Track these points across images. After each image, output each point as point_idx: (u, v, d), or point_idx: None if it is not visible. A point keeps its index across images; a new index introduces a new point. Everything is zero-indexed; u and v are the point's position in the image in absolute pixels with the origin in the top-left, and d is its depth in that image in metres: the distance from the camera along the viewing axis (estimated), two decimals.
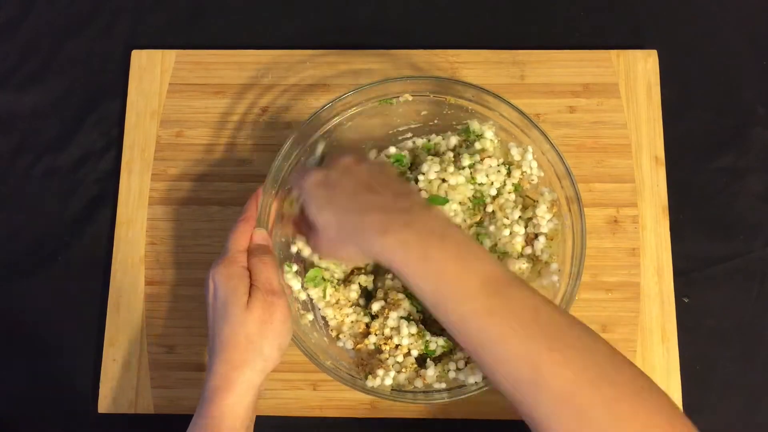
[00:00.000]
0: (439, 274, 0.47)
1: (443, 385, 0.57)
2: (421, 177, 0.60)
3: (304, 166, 0.61)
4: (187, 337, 0.67)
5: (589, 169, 0.69)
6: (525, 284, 0.48)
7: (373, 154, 0.64)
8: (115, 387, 0.66)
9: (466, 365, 0.58)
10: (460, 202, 0.60)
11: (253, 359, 0.52)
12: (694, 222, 0.68)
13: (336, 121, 0.63)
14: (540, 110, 0.70)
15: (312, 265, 0.60)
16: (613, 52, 0.71)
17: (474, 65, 0.72)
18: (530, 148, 0.61)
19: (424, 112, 0.65)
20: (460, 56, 0.72)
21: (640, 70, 0.71)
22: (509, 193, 0.61)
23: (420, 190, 0.59)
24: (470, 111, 0.63)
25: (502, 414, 0.64)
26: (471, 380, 0.57)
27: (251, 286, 0.54)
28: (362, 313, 0.60)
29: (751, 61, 0.73)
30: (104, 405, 0.65)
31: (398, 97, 0.63)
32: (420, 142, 0.64)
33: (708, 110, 0.71)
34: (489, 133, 0.62)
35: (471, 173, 0.60)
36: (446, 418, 0.64)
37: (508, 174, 0.61)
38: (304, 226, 0.57)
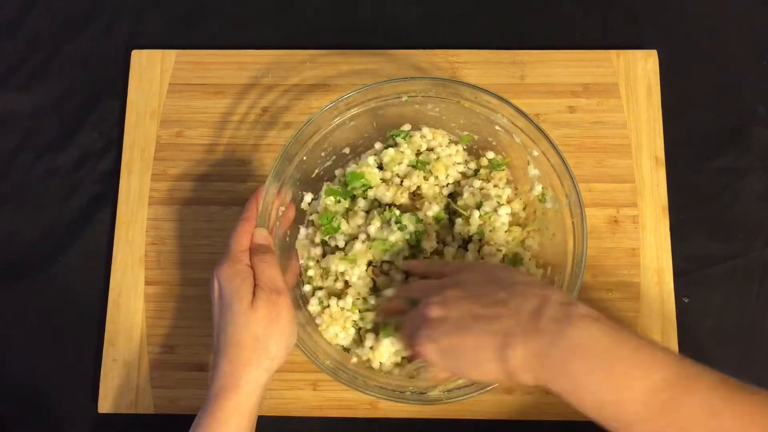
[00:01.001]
0: (597, 404, 0.44)
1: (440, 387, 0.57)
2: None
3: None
4: (187, 337, 0.67)
5: (589, 169, 0.69)
6: (698, 378, 0.43)
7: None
8: (115, 387, 0.66)
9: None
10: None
11: (259, 358, 0.52)
12: (694, 222, 0.69)
13: (338, 121, 0.62)
14: (540, 110, 0.70)
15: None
16: (613, 52, 0.71)
17: (474, 65, 0.72)
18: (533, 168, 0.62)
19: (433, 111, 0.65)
20: (460, 56, 0.72)
21: (640, 70, 0.71)
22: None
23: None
24: (476, 112, 0.63)
25: (502, 414, 0.64)
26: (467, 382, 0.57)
27: (255, 285, 0.54)
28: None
29: (751, 61, 0.73)
30: (104, 405, 0.65)
31: (400, 97, 0.63)
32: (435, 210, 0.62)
33: (708, 110, 0.71)
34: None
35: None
36: (446, 419, 0.64)
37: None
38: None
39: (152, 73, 0.73)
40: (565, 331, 0.44)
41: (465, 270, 0.52)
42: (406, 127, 0.65)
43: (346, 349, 0.61)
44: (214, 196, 0.70)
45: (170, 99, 0.72)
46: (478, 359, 0.47)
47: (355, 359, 0.60)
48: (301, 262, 0.64)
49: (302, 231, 0.65)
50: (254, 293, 0.53)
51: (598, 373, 0.43)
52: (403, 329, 0.54)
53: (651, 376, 0.43)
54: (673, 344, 0.65)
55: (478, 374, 0.49)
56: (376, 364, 0.59)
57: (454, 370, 0.50)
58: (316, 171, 0.65)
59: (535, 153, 0.61)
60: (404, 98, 0.62)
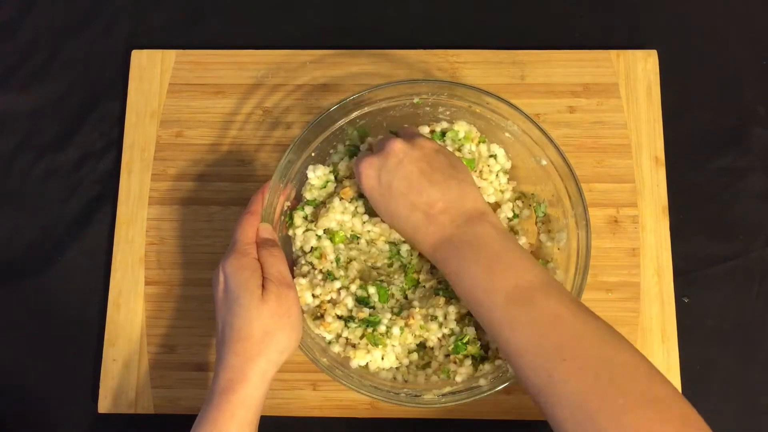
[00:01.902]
0: (473, 288, 0.51)
1: (441, 390, 0.57)
2: None
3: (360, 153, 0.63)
4: (188, 337, 0.67)
5: (589, 169, 0.69)
6: (553, 289, 0.50)
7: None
8: (115, 387, 0.66)
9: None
10: None
11: (268, 351, 0.52)
12: (694, 222, 0.69)
13: (341, 123, 0.63)
14: (540, 110, 0.70)
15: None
16: (613, 52, 0.71)
17: (474, 65, 0.72)
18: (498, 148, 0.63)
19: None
20: (460, 56, 0.72)
21: (640, 70, 0.71)
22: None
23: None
24: (487, 118, 0.63)
25: (501, 414, 0.64)
26: (463, 382, 0.57)
27: (264, 278, 0.54)
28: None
29: (751, 61, 0.73)
30: (104, 405, 0.66)
31: (412, 98, 0.63)
32: None
33: (708, 110, 0.71)
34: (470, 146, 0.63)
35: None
36: (446, 419, 0.64)
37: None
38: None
39: (152, 73, 0.73)
40: (472, 227, 0.53)
41: (428, 141, 0.57)
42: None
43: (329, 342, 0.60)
44: (214, 196, 0.70)
45: (170, 99, 0.72)
46: (399, 213, 0.55)
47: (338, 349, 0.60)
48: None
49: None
50: (264, 286, 0.53)
51: (482, 263, 0.51)
52: (356, 160, 0.58)
53: (521, 275, 0.50)
54: (673, 344, 0.65)
55: (390, 222, 0.57)
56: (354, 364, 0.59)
57: (374, 203, 0.56)
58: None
59: (544, 162, 0.61)
60: (416, 100, 0.62)
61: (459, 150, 0.62)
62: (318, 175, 0.61)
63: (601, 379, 0.45)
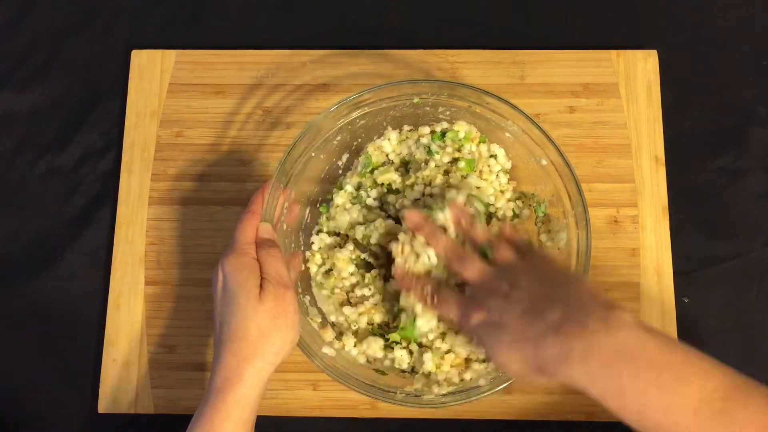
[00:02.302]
0: (641, 409, 0.42)
1: (442, 390, 0.57)
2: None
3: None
4: (188, 337, 0.67)
5: (589, 169, 0.69)
6: (750, 392, 0.42)
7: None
8: (115, 387, 0.66)
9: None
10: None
11: (264, 351, 0.52)
12: (694, 222, 0.69)
13: (342, 123, 0.63)
14: (540, 110, 0.70)
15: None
16: (613, 52, 0.71)
17: (474, 65, 0.72)
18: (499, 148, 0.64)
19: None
20: (460, 56, 0.72)
21: (640, 70, 0.71)
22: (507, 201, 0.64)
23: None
24: (487, 118, 0.63)
25: (502, 414, 0.64)
26: (472, 383, 0.57)
27: (261, 278, 0.54)
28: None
29: (751, 61, 0.73)
30: (104, 405, 0.66)
31: (412, 98, 0.63)
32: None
33: (708, 110, 0.71)
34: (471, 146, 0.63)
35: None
36: (446, 419, 0.64)
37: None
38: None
39: (152, 73, 0.73)
40: (613, 332, 0.43)
41: (520, 270, 0.51)
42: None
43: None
44: (214, 196, 0.70)
45: (170, 99, 0.72)
46: (514, 340, 0.47)
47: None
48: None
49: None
50: (261, 286, 0.53)
51: (647, 377, 0.42)
52: (450, 303, 0.52)
53: (704, 384, 0.41)
54: None
55: (507, 358, 0.48)
56: (358, 357, 0.60)
57: (489, 345, 0.49)
58: (325, 169, 0.66)
59: (544, 162, 0.61)
60: (416, 100, 0.62)
61: (459, 150, 0.62)
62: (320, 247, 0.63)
63: None
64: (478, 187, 0.62)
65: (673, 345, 0.43)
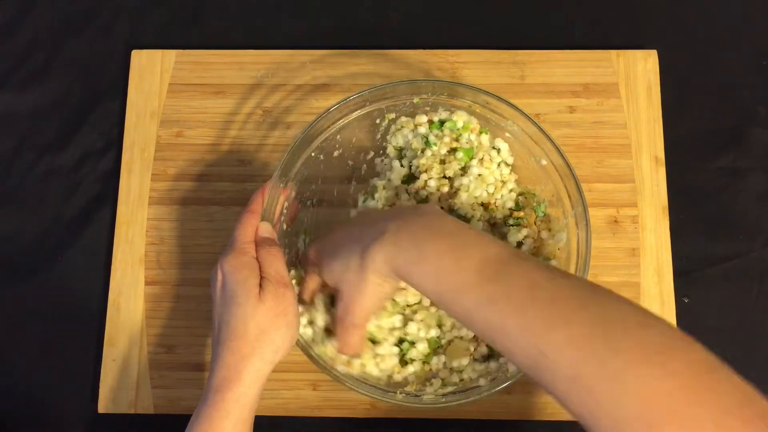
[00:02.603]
0: (436, 271, 0.47)
1: (445, 390, 0.57)
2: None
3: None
4: (187, 337, 0.67)
5: (589, 169, 0.69)
6: (524, 258, 0.46)
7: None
8: (115, 387, 0.66)
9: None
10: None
11: (262, 350, 0.52)
12: (694, 222, 0.68)
13: (342, 123, 0.63)
14: (540, 110, 0.70)
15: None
16: (613, 52, 0.71)
17: (474, 65, 0.72)
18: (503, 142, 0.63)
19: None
20: (460, 56, 0.72)
21: (640, 70, 0.71)
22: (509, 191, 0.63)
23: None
24: (487, 118, 0.63)
25: (502, 414, 0.64)
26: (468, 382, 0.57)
27: (261, 277, 0.54)
28: None
29: (751, 61, 0.73)
30: (104, 405, 0.66)
31: (412, 98, 0.63)
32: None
33: (708, 110, 0.71)
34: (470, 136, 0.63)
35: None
36: (446, 419, 0.64)
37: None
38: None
39: (152, 73, 0.73)
40: (421, 215, 0.50)
41: None
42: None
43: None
44: (214, 196, 0.70)
45: (170, 99, 0.72)
46: (341, 253, 0.52)
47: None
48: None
49: None
50: (261, 286, 0.53)
51: (443, 244, 0.48)
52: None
53: (487, 249, 0.47)
54: None
55: (339, 266, 0.53)
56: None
57: (325, 268, 0.55)
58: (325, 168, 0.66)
59: (544, 162, 0.61)
60: (416, 100, 0.62)
61: (457, 140, 0.62)
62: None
63: (594, 342, 0.41)
64: (479, 175, 0.62)
65: (462, 223, 0.50)
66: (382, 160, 0.67)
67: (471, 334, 0.59)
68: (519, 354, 0.44)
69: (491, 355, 0.59)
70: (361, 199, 0.65)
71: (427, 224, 0.49)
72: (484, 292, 0.45)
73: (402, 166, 0.64)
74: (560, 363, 0.42)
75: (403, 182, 0.64)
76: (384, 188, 0.63)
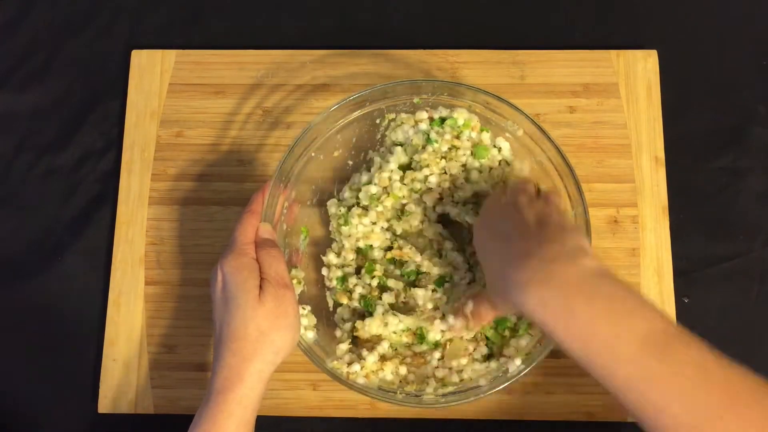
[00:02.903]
0: (588, 336, 0.44)
1: (444, 390, 0.57)
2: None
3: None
4: (188, 337, 0.67)
5: (589, 169, 0.69)
6: (689, 337, 0.44)
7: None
8: (115, 387, 0.66)
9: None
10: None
11: (264, 351, 0.52)
12: (694, 222, 0.68)
13: (342, 122, 0.63)
14: (540, 110, 0.70)
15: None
16: (613, 52, 0.71)
17: (474, 65, 0.72)
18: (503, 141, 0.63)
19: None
20: (460, 56, 0.72)
21: (640, 70, 0.71)
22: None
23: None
24: (487, 118, 0.63)
25: (502, 414, 0.64)
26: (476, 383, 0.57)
27: (261, 279, 0.54)
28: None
29: (751, 61, 0.73)
30: (104, 405, 0.65)
31: (412, 98, 0.63)
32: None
33: (708, 110, 0.71)
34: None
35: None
36: (446, 418, 0.64)
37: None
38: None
39: (152, 73, 0.73)
40: (577, 265, 0.45)
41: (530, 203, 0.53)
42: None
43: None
44: (214, 196, 0.70)
45: (170, 99, 0.72)
46: (498, 253, 0.50)
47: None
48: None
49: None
50: (261, 287, 0.53)
51: (599, 307, 0.44)
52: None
53: (652, 322, 0.43)
54: None
55: (489, 264, 0.52)
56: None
57: (480, 245, 0.54)
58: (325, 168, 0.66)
59: (544, 162, 0.61)
60: (416, 100, 0.62)
61: (458, 137, 0.62)
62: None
63: None
64: (479, 172, 0.62)
65: (629, 289, 0.45)
66: (379, 150, 0.67)
67: (471, 335, 0.59)
68: None
69: (491, 354, 0.59)
70: (364, 177, 0.64)
71: (583, 281, 0.45)
72: (645, 367, 0.42)
73: (406, 153, 0.64)
74: None
75: (399, 168, 0.63)
76: (380, 167, 0.63)
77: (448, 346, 0.59)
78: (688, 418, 0.41)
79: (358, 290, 0.62)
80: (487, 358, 0.59)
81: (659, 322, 0.44)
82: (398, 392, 0.57)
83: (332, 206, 0.64)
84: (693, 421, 0.41)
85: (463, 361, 0.58)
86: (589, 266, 0.46)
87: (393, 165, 0.62)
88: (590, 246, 0.50)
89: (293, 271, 0.61)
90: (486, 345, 0.59)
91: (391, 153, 0.63)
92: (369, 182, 0.63)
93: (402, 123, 0.64)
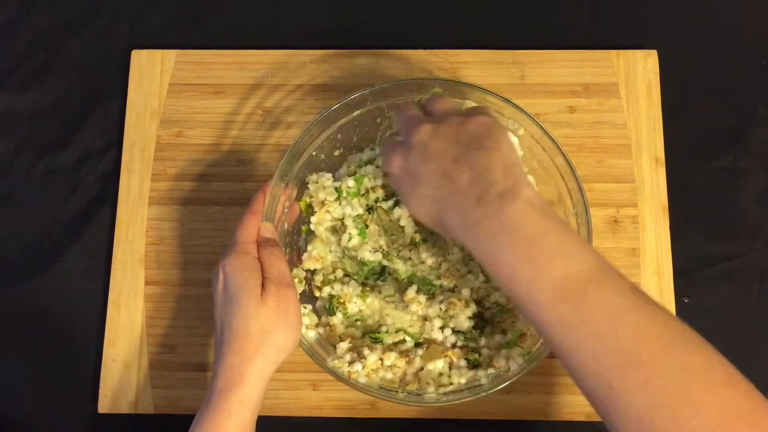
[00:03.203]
0: (511, 279, 0.45)
1: (441, 389, 0.57)
2: None
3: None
4: (188, 337, 0.67)
5: (589, 169, 0.69)
6: (607, 279, 0.43)
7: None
8: (115, 387, 0.66)
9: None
10: None
11: (267, 350, 0.52)
12: (694, 222, 0.69)
13: (342, 122, 0.63)
14: (540, 110, 0.70)
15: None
16: (613, 52, 0.71)
17: (474, 65, 0.72)
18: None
19: None
20: (460, 56, 0.72)
21: (640, 70, 0.71)
22: None
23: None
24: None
25: (502, 414, 0.64)
26: (467, 383, 0.57)
27: (263, 278, 0.54)
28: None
29: (751, 61, 0.73)
30: (104, 405, 0.65)
31: (413, 98, 0.63)
32: None
33: (708, 110, 0.71)
34: None
35: None
36: (446, 418, 0.64)
37: None
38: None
39: (152, 73, 0.73)
40: (504, 207, 0.46)
41: (456, 115, 0.52)
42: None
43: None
44: (214, 196, 0.70)
45: (170, 99, 0.72)
46: (423, 201, 0.50)
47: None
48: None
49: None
50: (263, 286, 0.53)
51: (520, 250, 0.44)
52: (383, 145, 0.55)
53: (568, 264, 0.44)
54: None
55: (416, 212, 0.52)
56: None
57: (401, 192, 0.53)
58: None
59: (545, 162, 0.61)
60: (417, 99, 0.62)
61: None
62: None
63: (672, 392, 0.39)
64: None
65: (554, 226, 0.45)
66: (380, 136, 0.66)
67: (449, 342, 0.59)
68: (587, 383, 0.42)
69: (478, 364, 0.59)
70: (377, 152, 0.63)
71: (508, 221, 0.45)
72: (559, 312, 0.43)
73: None
74: (630, 405, 0.40)
75: None
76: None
77: (426, 349, 0.59)
78: (596, 367, 0.41)
79: (326, 290, 0.62)
80: (474, 367, 0.59)
81: (577, 264, 0.44)
82: (399, 391, 0.57)
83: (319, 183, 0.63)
84: (601, 370, 0.41)
85: (439, 363, 0.58)
86: (517, 203, 0.46)
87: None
88: (510, 156, 0.49)
89: (294, 270, 0.61)
90: (467, 358, 0.59)
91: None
92: (370, 161, 0.62)
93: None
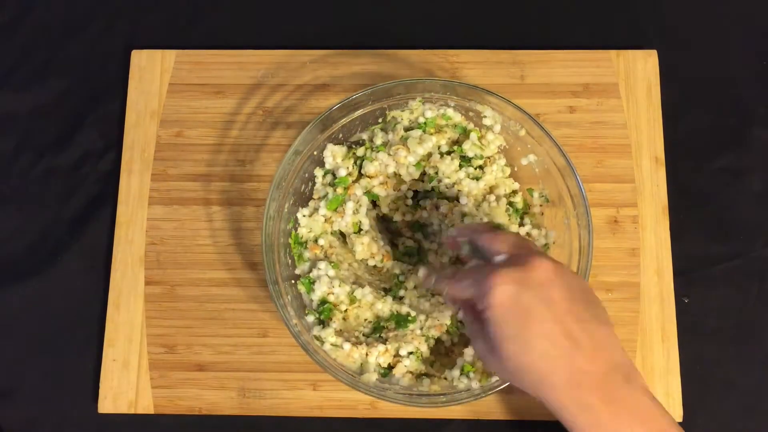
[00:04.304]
0: None
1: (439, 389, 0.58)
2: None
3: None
4: (187, 337, 0.67)
5: (589, 169, 0.69)
6: None
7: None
8: (115, 387, 0.66)
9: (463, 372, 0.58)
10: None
11: None
12: (694, 222, 0.69)
13: (342, 122, 0.63)
14: (540, 110, 0.70)
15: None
16: (613, 52, 0.72)
17: (474, 65, 0.72)
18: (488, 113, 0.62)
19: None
20: (460, 56, 0.72)
21: (640, 70, 0.71)
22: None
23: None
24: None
25: (502, 414, 0.64)
26: (470, 385, 0.57)
27: None
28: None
29: (751, 61, 0.73)
30: (104, 405, 0.66)
31: (414, 98, 0.63)
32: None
33: (708, 110, 0.71)
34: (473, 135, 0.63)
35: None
36: (446, 418, 0.64)
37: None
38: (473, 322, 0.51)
39: (152, 73, 0.73)
40: (629, 389, 0.47)
41: (566, 268, 0.50)
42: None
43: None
44: (214, 196, 0.70)
45: (170, 99, 0.72)
46: (533, 343, 0.46)
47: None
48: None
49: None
50: None
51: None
52: (475, 267, 0.51)
53: None
54: (673, 344, 0.65)
55: (513, 348, 0.47)
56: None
57: (502, 321, 0.47)
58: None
59: (545, 162, 0.61)
60: (417, 99, 0.62)
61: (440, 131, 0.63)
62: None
63: None
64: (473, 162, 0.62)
65: (663, 410, 0.47)
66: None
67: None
68: None
69: (427, 374, 0.59)
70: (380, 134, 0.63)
71: (639, 404, 0.47)
72: None
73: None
74: None
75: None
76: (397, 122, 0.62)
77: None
78: None
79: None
80: (426, 375, 0.59)
81: None
82: (400, 392, 0.57)
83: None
84: None
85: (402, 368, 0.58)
86: (640, 391, 0.47)
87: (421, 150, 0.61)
88: (617, 338, 0.49)
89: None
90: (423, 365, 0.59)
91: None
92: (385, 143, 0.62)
93: (402, 120, 0.64)
